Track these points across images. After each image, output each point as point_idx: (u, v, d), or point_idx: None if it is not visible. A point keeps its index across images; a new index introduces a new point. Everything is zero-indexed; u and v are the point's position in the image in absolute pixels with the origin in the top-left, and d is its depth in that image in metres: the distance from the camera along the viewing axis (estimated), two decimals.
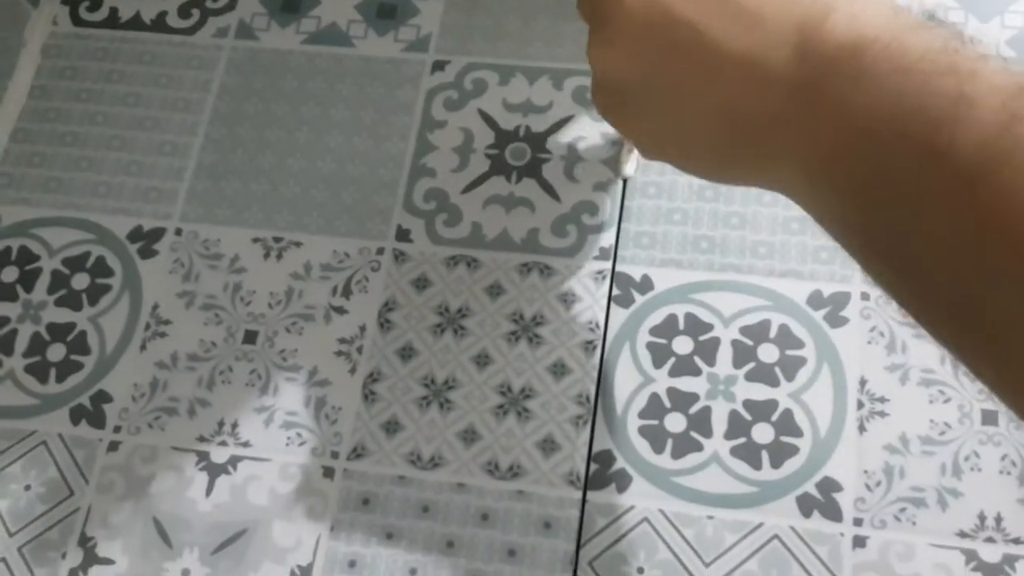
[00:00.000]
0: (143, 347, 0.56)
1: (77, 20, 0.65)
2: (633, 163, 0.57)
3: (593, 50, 0.41)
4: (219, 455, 0.53)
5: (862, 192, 0.32)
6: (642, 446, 0.51)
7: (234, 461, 0.53)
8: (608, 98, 0.43)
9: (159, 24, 0.64)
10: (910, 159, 0.30)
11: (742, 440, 0.51)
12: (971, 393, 0.51)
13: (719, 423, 0.51)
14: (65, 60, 0.64)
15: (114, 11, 0.65)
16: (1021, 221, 0.27)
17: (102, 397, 0.55)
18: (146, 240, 0.59)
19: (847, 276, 0.53)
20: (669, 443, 0.51)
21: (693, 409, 0.52)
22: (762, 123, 0.35)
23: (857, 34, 0.32)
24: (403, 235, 0.57)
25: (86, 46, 0.64)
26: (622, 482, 0.51)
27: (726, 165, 0.39)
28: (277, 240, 0.58)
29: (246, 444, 0.54)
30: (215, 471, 0.53)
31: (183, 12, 0.65)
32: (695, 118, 0.38)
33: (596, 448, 0.52)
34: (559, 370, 0.53)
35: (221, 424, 0.54)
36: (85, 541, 0.52)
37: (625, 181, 0.57)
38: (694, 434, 0.51)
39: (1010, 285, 0.28)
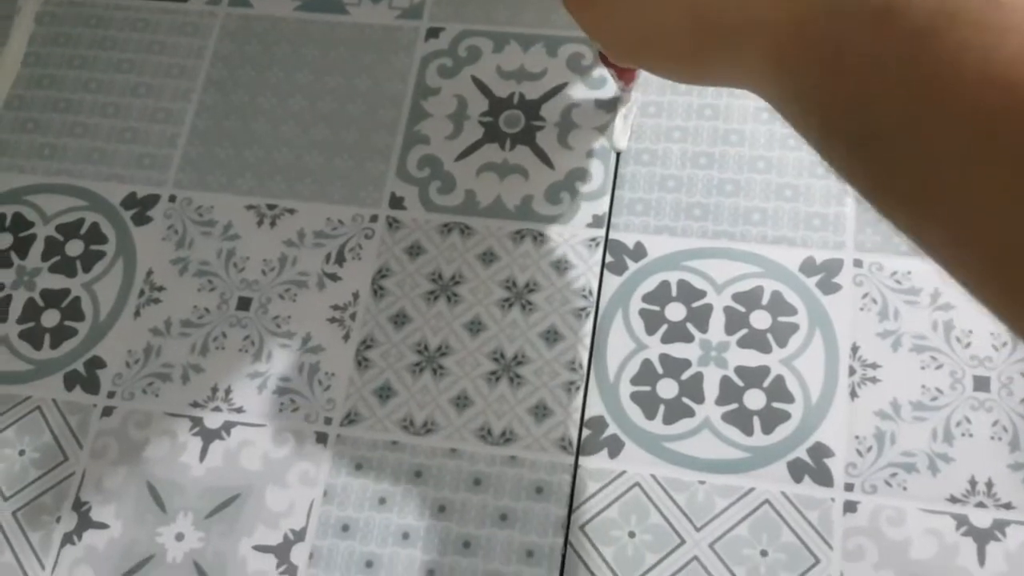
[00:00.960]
0: (137, 313, 0.57)
1: None
2: (627, 134, 0.57)
3: None
4: (213, 420, 0.55)
5: (820, 64, 0.32)
6: (634, 412, 0.52)
7: (228, 427, 0.54)
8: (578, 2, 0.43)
9: None
10: (865, 23, 0.30)
11: (734, 406, 0.52)
12: (963, 359, 0.51)
13: (711, 389, 0.52)
14: (59, 27, 0.65)
15: None
16: (971, 78, 0.27)
17: (96, 363, 0.56)
18: (140, 207, 0.60)
19: (840, 243, 0.54)
20: (661, 409, 0.52)
21: (685, 375, 0.53)
22: (723, 14, 0.35)
23: None
24: (396, 202, 0.58)
25: (79, 13, 0.65)
26: (614, 447, 0.52)
27: (693, 61, 0.39)
28: (271, 207, 0.59)
29: (239, 410, 0.55)
30: (209, 436, 0.54)
31: None
32: (658, 13, 0.38)
33: (588, 414, 0.53)
34: (552, 337, 0.54)
35: (215, 390, 0.55)
36: (79, 506, 0.53)
37: (619, 153, 0.57)
38: (686, 400, 0.52)
39: (962, 150, 0.28)
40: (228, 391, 0.55)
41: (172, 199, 0.60)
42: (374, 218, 0.58)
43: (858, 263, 0.54)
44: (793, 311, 0.53)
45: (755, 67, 0.35)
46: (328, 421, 0.54)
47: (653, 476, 0.51)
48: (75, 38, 0.64)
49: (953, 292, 0.53)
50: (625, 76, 0.54)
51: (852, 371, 0.52)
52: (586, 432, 0.52)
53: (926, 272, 0.53)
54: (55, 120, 0.62)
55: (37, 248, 0.59)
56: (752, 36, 0.34)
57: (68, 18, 0.65)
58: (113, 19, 0.65)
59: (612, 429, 0.52)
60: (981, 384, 0.51)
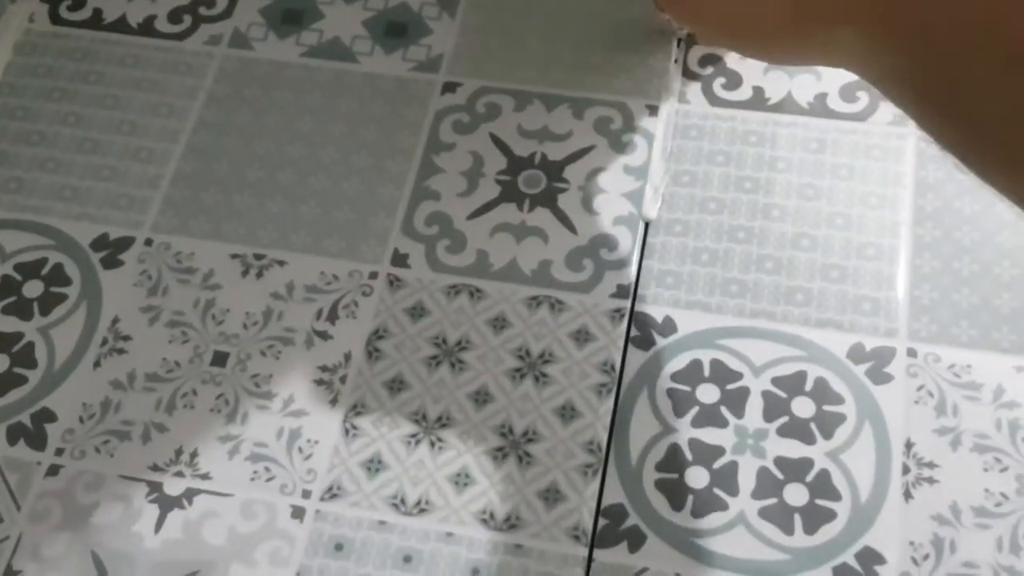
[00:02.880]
0: (97, 363, 0.53)
1: (56, 19, 0.64)
2: (657, 203, 0.55)
3: None
4: (173, 487, 0.50)
5: (917, 37, 0.35)
6: (659, 502, 0.48)
7: (190, 494, 0.49)
8: None
9: (146, 28, 0.63)
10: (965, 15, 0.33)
11: (773, 501, 0.48)
12: None
13: (747, 480, 0.48)
14: (39, 58, 0.62)
15: (98, 12, 0.64)
16: None
17: (45, 416, 0.51)
18: (111, 249, 0.56)
19: (892, 330, 0.51)
20: (690, 500, 0.48)
21: (718, 464, 0.49)
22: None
23: None
24: (400, 260, 0.54)
25: (64, 45, 0.63)
26: (635, 540, 0.47)
27: (793, 40, 0.41)
28: (258, 257, 0.55)
29: (205, 476, 0.50)
30: (167, 504, 0.49)
31: (173, 17, 0.63)
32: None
33: (606, 501, 0.48)
34: (568, 413, 0.50)
35: (179, 452, 0.50)
36: (11, 575, 0.48)
37: (648, 222, 0.55)
38: (718, 491, 0.48)
39: None
40: (194, 455, 0.50)
41: (148, 243, 0.56)
42: (374, 275, 0.54)
43: (912, 352, 0.51)
44: (840, 400, 0.50)
45: (850, 47, 0.38)
46: (307, 494, 0.49)
47: (679, 575, 0.46)
48: (56, 70, 0.62)
49: (1019, 389, 0.49)
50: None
51: (906, 469, 0.48)
52: (603, 522, 0.48)
53: (988, 366, 0.50)
54: (25, 153, 0.59)
55: None
56: (848, 19, 0.37)
57: (51, 49, 0.62)
58: (100, 53, 0.62)
59: (633, 520, 0.48)
60: None
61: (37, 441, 0.51)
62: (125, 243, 0.56)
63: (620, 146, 0.57)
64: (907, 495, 0.48)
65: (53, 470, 0.50)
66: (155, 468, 0.50)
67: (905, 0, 0.35)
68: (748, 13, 0.43)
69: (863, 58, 0.38)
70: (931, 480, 0.48)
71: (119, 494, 0.50)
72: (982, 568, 0.46)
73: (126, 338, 0.53)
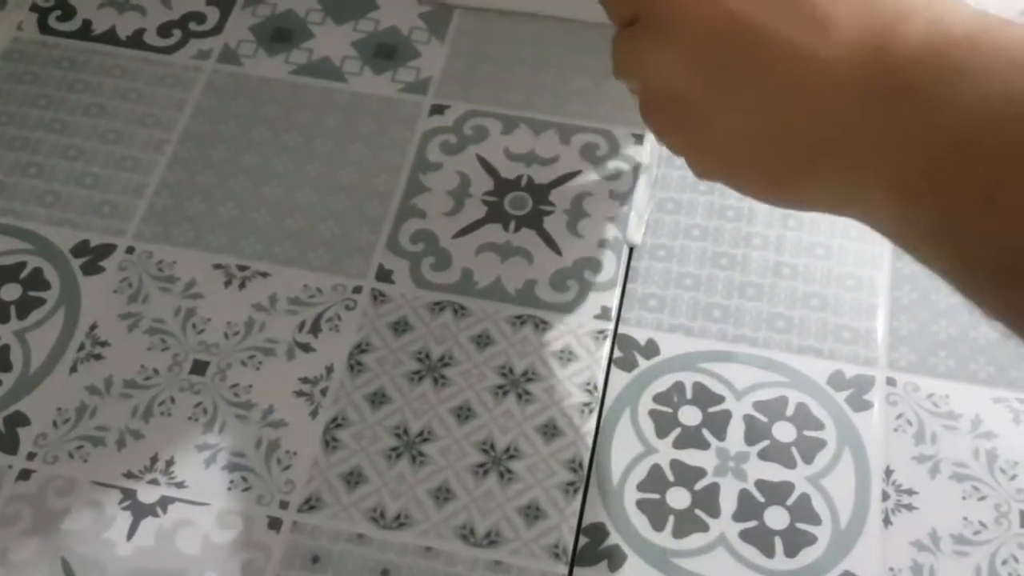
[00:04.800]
0: (74, 368, 0.51)
1: (45, 28, 0.63)
2: (642, 229, 0.55)
3: (648, 56, 0.39)
4: (147, 494, 0.48)
5: (976, 203, 0.30)
6: (640, 521, 0.47)
7: (164, 503, 0.48)
8: (663, 111, 0.40)
9: (135, 41, 0.62)
10: None
11: (753, 523, 0.47)
12: (1009, 492, 0.48)
13: (728, 502, 0.48)
14: (26, 65, 0.61)
15: (87, 23, 0.63)
16: None
17: (18, 419, 0.50)
18: (92, 255, 0.55)
19: (871, 359, 0.51)
20: (671, 520, 0.47)
21: (699, 485, 0.48)
22: (840, 133, 0.33)
23: (942, 34, 0.31)
24: (384, 275, 0.54)
25: (51, 54, 0.62)
26: (615, 559, 0.47)
27: (797, 182, 0.36)
28: (242, 268, 0.54)
29: (180, 484, 0.48)
30: (141, 512, 0.48)
31: (163, 31, 0.63)
32: (763, 129, 0.36)
33: (587, 520, 0.47)
34: (550, 431, 0.49)
35: (154, 460, 0.49)
36: None
37: (632, 247, 0.54)
38: (699, 512, 0.48)
39: None
40: (170, 463, 0.49)
41: (130, 251, 0.55)
42: (357, 289, 0.53)
43: (891, 381, 0.51)
44: (820, 426, 0.49)
45: (879, 204, 0.33)
46: (284, 505, 0.48)
47: None
48: (43, 78, 0.61)
49: (996, 420, 0.49)
50: None
51: (885, 496, 0.48)
52: (583, 540, 0.47)
53: (966, 396, 0.50)
54: (7, 157, 0.58)
55: None
56: (876, 171, 0.33)
57: (38, 57, 0.62)
58: (88, 63, 0.61)
59: (614, 539, 0.47)
60: None
61: (9, 445, 0.49)
62: (106, 250, 0.55)
63: (606, 172, 0.57)
64: (887, 521, 0.47)
65: (24, 474, 0.49)
66: (129, 475, 0.49)
67: (954, 150, 0.30)
68: (741, 147, 0.37)
69: (892, 217, 0.34)
70: (910, 507, 0.48)
71: (91, 500, 0.48)
72: None
73: (104, 344, 0.52)
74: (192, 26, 0.63)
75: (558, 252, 0.54)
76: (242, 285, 0.54)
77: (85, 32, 0.63)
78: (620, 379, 0.51)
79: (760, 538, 0.47)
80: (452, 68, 0.61)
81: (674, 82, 0.38)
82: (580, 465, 0.49)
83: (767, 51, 0.35)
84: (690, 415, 0.50)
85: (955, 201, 0.30)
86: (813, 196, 0.37)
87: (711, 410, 0.50)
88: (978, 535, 0.47)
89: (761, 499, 0.48)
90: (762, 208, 0.55)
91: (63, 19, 0.63)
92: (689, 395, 0.50)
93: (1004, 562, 0.46)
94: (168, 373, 0.51)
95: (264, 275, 0.54)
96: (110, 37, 0.62)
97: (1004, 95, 0.29)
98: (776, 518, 0.47)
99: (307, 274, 0.54)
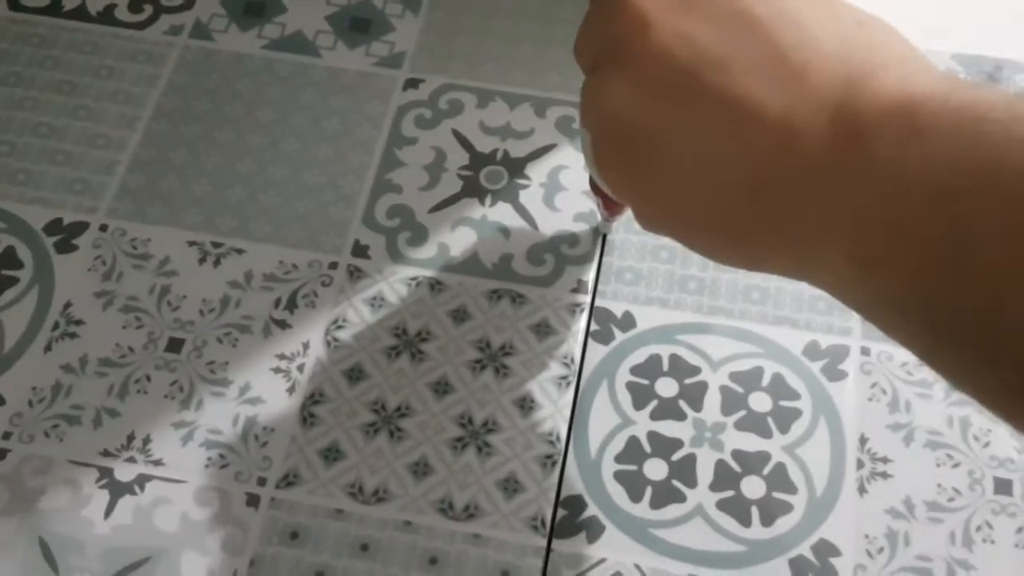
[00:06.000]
0: (48, 347, 0.51)
1: (15, 5, 0.62)
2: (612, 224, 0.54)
3: (608, 89, 0.36)
4: (124, 472, 0.48)
5: (934, 263, 0.28)
6: (618, 493, 0.47)
7: (142, 480, 0.48)
8: (615, 149, 0.37)
9: (106, 16, 0.61)
10: (1002, 215, 0.26)
11: (730, 493, 0.47)
12: (982, 459, 0.48)
13: (705, 473, 0.48)
14: None
15: (57, 0, 0.62)
16: None
17: None
18: (65, 234, 0.54)
19: (846, 329, 0.51)
20: (648, 491, 0.47)
21: (676, 456, 0.48)
22: (796, 189, 0.31)
23: (910, 91, 0.29)
24: (360, 251, 0.53)
25: (21, 31, 0.61)
26: (593, 531, 0.47)
27: (746, 239, 0.34)
28: (216, 245, 0.54)
29: (158, 462, 0.48)
30: (118, 490, 0.47)
31: (134, 7, 0.62)
32: (715, 178, 0.33)
33: (565, 492, 0.47)
34: (528, 404, 0.49)
35: (131, 438, 0.49)
36: None
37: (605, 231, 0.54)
38: (676, 483, 0.48)
39: None
40: (146, 440, 0.49)
41: (103, 228, 0.54)
42: (333, 265, 0.53)
43: (865, 351, 0.51)
44: (796, 396, 0.50)
45: (832, 264, 0.31)
46: (262, 482, 0.48)
47: (637, 566, 0.46)
48: (12, 55, 0.60)
49: None
50: (613, 208, 0.50)
51: (860, 464, 0.48)
52: (562, 512, 0.47)
53: None
54: None
55: None
56: (830, 229, 0.30)
57: (7, 35, 0.61)
58: (59, 40, 0.60)
59: (592, 510, 0.47)
60: (1003, 487, 0.47)
61: None
62: (79, 228, 0.54)
63: (581, 145, 0.56)
64: (861, 489, 0.48)
65: (0, 454, 0.48)
66: (106, 453, 0.48)
67: (913, 211, 0.28)
68: (699, 206, 0.34)
69: (845, 279, 0.31)
70: (885, 475, 0.48)
71: (68, 479, 0.48)
72: (935, 561, 0.46)
73: (78, 323, 0.52)
74: (163, 1, 0.62)
75: (534, 226, 0.54)
76: (217, 262, 0.53)
77: (55, 8, 0.62)
78: (597, 352, 0.51)
79: (737, 507, 0.47)
80: (426, 41, 0.60)
81: (629, 114, 0.35)
82: (558, 438, 0.49)
83: (727, 93, 0.32)
84: (667, 386, 0.50)
85: (920, 263, 0.28)
86: (767, 258, 0.34)
87: (687, 381, 0.50)
88: (952, 502, 0.47)
89: (738, 469, 0.48)
90: None
91: None
92: (665, 367, 0.50)
93: (978, 528, 0.47)
94: (143, 351, 0.51)
95: (239, 252, 0.53)
96: (80, 13, 0.62)
97: (972, 156, 0.27)
98: (753, 487, 0.48)
99: (282, 250, 0.54)
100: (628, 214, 0.54)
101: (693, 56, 0.33)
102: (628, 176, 0.37)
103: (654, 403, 0.50)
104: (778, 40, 0.32)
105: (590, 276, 0.53)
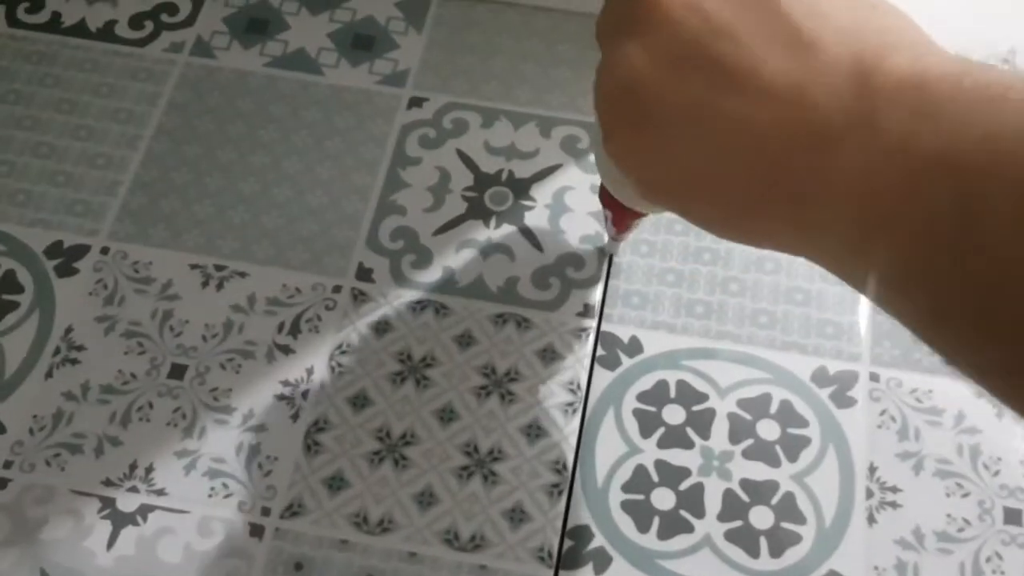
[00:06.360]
0: (49, 374, 0.50)
1: (14, 21, 0.61)
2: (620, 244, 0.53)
3: (622, 55, 0.36)
4: (127, 502, 0.47)
5: (939, 236, 0.28)
6: (625, 523, 0.47)
7: (144, 511, 0.47)
8: (624, 116, 0.37)
9: (106, 33, 0.61)
10: (1011, 194, 0.26)
11: (738, 523, 0.47)
12: (992, 488, 0.47)
13: (712, 503, 0.47)
14: None
15: (56, 15, 0.61)
16: None
17: None
18: (66, 257, 0.53)
19: (855, 354, 0.51)
20: (656, 521, 0.47)
21: (684, 485, 0.48)
22: (805, 156, 0.31)
23: (922, 70, 0.29)
24: (364, 274, 0.53)
25: (20, 48, 0.60)
26: (600, 562, 0.46)
27: (751, 211, 0.33)
28: (219, 268, 0.53)
29: (161, 492, 0.48)
30: (120, 520, 0.47)
31: (135, 23, 0.61)
32: (723, 147, 0.33)
33: (572, 522, 0.47)
34: (534, 432, 0.49)
35: (133, 467, 0.48)
36: None
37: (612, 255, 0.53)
38: (684, 513, 0.47)
39: None
40: (149, 469, 0.48)
41: (104, 251, 0.54)
42: (337, 288, 0.52)
43: (875, 377, 0.50)
44: (804, 423, 0.49)
45: (836, 238, 0.31)
46: (266, 512, 0.47)
47: None
48: (12, 72, 0.59)
49: (979, 415, 0.49)
50: (622, 223, 0.49)
51: (870, 493, 0.47)
52: (568, 543, 0.47)
53: (949, 391, 0.50)
54: None
55: None
56: (836, 201, 0.30)
57: (6, 52, 0.60)
58: (59, 57, 0.60)
59: (599, 541, 0.47)
60: (1012, 517, 0.47)
61: None
62: (80, 251, 0.54)
63: (587, 165, 0.56)
64: (871, 519, 0.47)
65: (1, 483, 0.48)
66: (108, 483, 0.48)
67: (923, 183, 0.28)
68: (705, 177, 0.34)
69: (848, 253, 0.31)
70: (894, 504, 0.47)
71: (70, 509, 0.47)
72: None
73: (80, 348, 0.51)
74: (164, 17, 0.61)
75: (540, 249, 0.54)
76: (220, 286, 0.53)
77: (55, 25, 0.61)
78: (604, 378, 0.50)
79: (745, 538, 0.47)
80: (430, 59, 0.60)
81: (640, 76, 0.35)
82: (564, 466, 0.48)
83: (738, 62, 0.32)
84: (674, 414, 0.49)
85: (925, 234, 0.28)
86: (761, 229, 0.34)
87: (695, 408, 0.50)
88: (962, 532, 0.47)
89: (746, 499, 0.47)
90: None
91: (32, 11, 0.62)
92: (673, 393, 0.50)
93: (988, 559, 0.46)
94: (146, 377, 0.50)
95: (242, 275, 0.53)
96: (80, 30, 0.61)
97: (985, 134, 0.27)
98: (761, 518, 0.47)
99: (286, 273, 0.53)
100: (635, 235, 0.53)
101: (703, 25, 0.33)
102: (636, 138, 0.36)
103: (661, 431, 0.49)
104: (790, 13, 0.32)
105: (596, 300, 0.52)
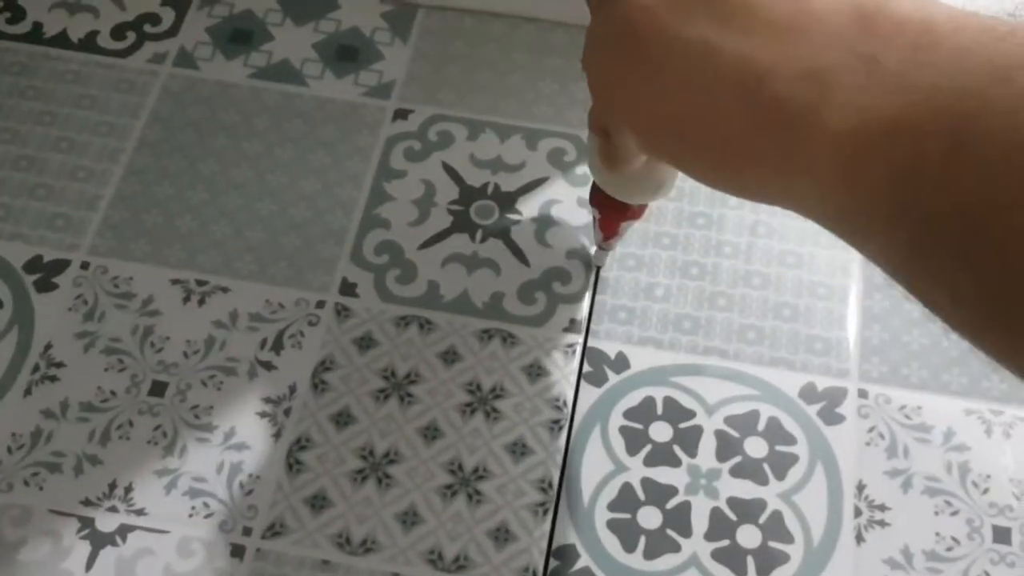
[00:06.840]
0: (28, 391, 0.50)
1: None
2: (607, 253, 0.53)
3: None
4: (106, 523, 0.47)
5: (930, 158, 0.27)
6: (611, 542, 0.46)
7: (124, 531, 0.46)
8: (622, 52, 0.36)
9: (88, 44, 0.60)
10: (1005, 118, 0.26)
11: (725, 543, 0.46)
12: (981, 507, 0.47)
13: (699, 521, 0.47)
14: None
15: (38, 26, 0.61)
16: None
17: None
18: (45, 272, 0.53)
19: (844, 371, 0.50)
20: (642, 541, 0.46)
21: (671, 504, 0.47)
22: (801, 99, 0.31)
23: (927, 12, 0.30)
24: (348, 289, 0.52)
25: (1, 59, 0.59)
26: None
27: (744, 153, 0.33)
28: (200, 283, 0.52)
29: (140, 512, 0.47)
30: (100, 541, 0.46)
31: (116, 34, 0.60)
32: (721, 85, 0.33)
33: (557, 541, 0.46)
34: (519, 450, 0.48)
35: (112, 486, 0.47)
36: None
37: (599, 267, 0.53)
38: (671, 532, 0.47)
39: None
40: (129, 489, 0.47)
41: (84, 266, 0.53)
42: (320, 304, 0.52)
43: (863, 393, 0.50)
44: (792, 440, 0.48)
45: (827, 169, 0.30)
46: (247, 531, 0.46)
47: None
48: None
49: (968, 432, 0.49)
50: (609, 228, 0.49)
51: (858, 512, 0.47)
52: (554, 563, 0.46)
53: (938, 408, 0.49)
54: None
55: None
56: (832, 132, 0.30)
57: None
58: (40, 68, 0.59)
59: (584, 561, 0.46)
60: (1001, 536, 0.46)
61: None
62: (59, 266, 0.53)
63: (574, 178, 0.55)
64: (859, 538, 0.47)
65: None
66: (87, 503, 0.47)
67: (918, 116, 0.28)
68: (688, 105, 0.34)
69: (836, 188, 0.31)
70: (883, 523, 0.47)
71: (48, 530, 0.46)
72: None
73: (59, 365, 0.50)
74: (147, 28, 0.61)
75: (526, 263, 0.53)
76: (201, 301, 0.52)
77: (36, 35, 0.60)
78: (590, 394, 0.50)
79: (732, 558, 0.46)
80: (416, 71, 0.59)
81: (637, 6, 0.35)
82: (550, 485, 0.47)
83: (739, 0, 0.33)
84: (661, 431, 0.49)
85: (917, 156, 0.28)
86: (757, 177, 0.33)
87: (682, 426, 0.49)
88: (951, 551, 0.46)
89: (733, 517, 0.47)
90: (732, 215, 0.54)
91: (13, 21, 0.61)
92: (660, 410, 0.49)
93: None
94: (126, 395, 0.50)
95: (224, 290, 0.52)
96: (62, 40, 0.60)
97: (985, 63, 0.27)
98: (748, 537, 0.47)
99: (269, 288, 0.52)
100: (621, 248, 0.53)
101: None
102: (633, 74, 0.36)
103: (648, 448, 0.48)
104: None
105: (583, 315, 0.52)
